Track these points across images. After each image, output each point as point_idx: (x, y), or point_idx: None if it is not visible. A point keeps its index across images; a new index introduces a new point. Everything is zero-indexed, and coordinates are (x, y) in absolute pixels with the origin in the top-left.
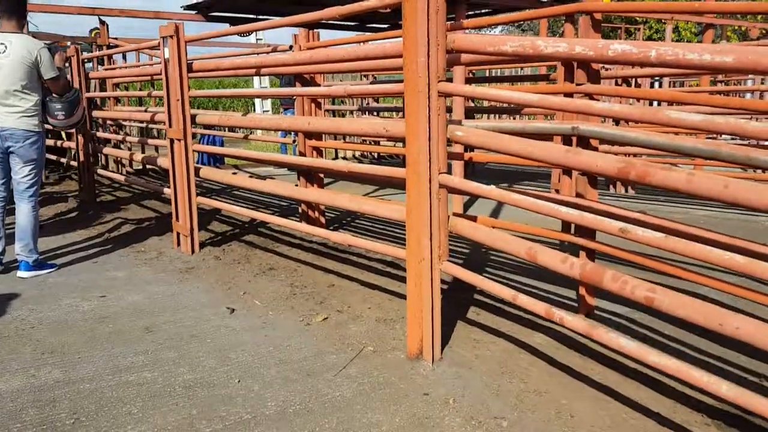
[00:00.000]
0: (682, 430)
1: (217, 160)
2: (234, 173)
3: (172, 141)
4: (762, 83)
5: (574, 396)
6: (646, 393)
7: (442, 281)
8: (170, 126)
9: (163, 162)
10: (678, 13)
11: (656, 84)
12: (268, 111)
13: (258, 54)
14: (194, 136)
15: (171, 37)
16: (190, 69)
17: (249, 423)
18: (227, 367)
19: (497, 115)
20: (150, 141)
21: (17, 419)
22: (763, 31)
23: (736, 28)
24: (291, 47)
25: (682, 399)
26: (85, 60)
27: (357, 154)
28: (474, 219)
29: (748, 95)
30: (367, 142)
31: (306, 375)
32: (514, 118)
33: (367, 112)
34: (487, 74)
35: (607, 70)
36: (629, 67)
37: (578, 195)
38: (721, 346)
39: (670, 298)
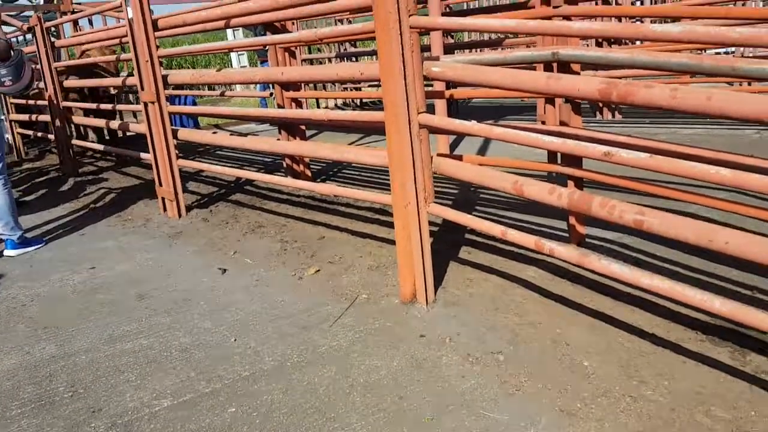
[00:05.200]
0: (677, 348)
1: (195, 124)
2: (214, 133)
3: (146, 104)
4: None
5: (568, 325)
6: (641, 316)
7: (433, 224)
8: (142, 89)
9: (140, 127)
10: None
11: (638, 3)
12: (245, 66)
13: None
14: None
15: None
16: (156, 27)
17: (248, 380)
18: (223, 327)
19: (479, 50)
20: (127, 107)
21: (15, 398)
22: None
23: None
24: None
25: (677, 319)
26: (51, 28)
27: (339, 102)
28: (459, 158)
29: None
30: (349, 89)
31: (302, 328)
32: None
33: (345, 59)
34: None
35: None
36: None
37: (563, 123)
38: (712, 262)
39: (659, 219)
